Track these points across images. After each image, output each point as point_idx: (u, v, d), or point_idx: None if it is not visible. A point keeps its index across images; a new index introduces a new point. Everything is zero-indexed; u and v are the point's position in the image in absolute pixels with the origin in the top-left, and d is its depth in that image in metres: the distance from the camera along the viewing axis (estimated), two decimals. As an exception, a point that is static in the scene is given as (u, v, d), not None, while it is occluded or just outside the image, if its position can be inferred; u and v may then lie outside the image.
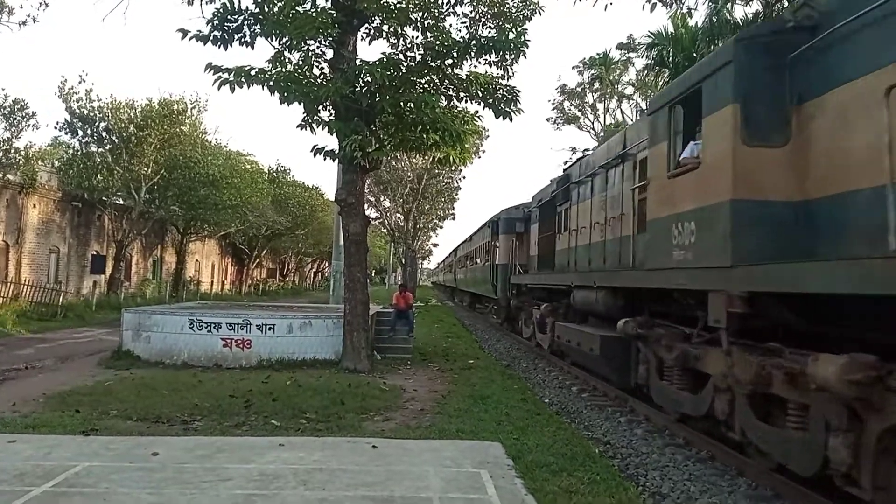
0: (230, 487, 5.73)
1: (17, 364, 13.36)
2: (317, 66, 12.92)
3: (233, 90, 11.67)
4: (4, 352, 15.61)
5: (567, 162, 23.22)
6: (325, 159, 13.13)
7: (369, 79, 12.33)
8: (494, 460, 6.78)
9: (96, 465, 6.29)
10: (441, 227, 58.37)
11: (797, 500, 6.18)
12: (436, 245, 76.97)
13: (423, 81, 13.09)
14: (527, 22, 12.82)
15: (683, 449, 8.20)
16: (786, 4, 17.02)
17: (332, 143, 13.16)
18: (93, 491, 5.57)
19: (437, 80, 13.17)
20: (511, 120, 12.97)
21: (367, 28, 13.20)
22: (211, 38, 12.22)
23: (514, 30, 12.53)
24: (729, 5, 20.01)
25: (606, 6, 13.21)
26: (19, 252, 27.95)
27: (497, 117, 12.96)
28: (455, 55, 12.61)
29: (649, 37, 24.60)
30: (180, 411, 8.86)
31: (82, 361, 14.04)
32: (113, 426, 8.03)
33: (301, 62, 12.64)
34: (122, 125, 31.70)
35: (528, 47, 12.53)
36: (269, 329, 13.48)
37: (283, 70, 12.27)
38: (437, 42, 12.56)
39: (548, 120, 44.44)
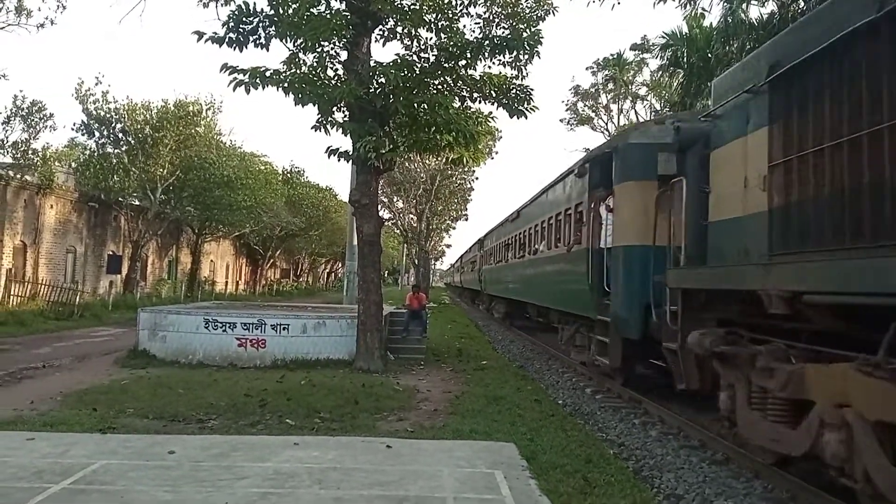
0: (246, 486, 5.76)
1: (34, 363, 13.49)
2: (331, 68, 12.99)
3: (248, 91, 11.75)
4: (22, 350, 15.78)
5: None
6: (339, 160, 13.20)
7: (383, 80, 12.38)
8: (508, 461, 6.78)
9: (113, 462, 6.35)
10: (454, 228, 58.30)
11: (813, 503, 6.13)
12: (449, 246, 76.98)
13: (436, 82, 13.11)
14: (540, 22, 12.83)
15: (698, 451, 8.15)
16: (801, 5, 16.92)
17: (346, 144, 13.23)
18: (110, 488, 5.62)
19: (450, 81, 13.18)
20: (526, 118, 12.98)
21: (381, 30, 13.24)
22: (226, 39, 12.31)
23: (527, 30, 12.54)
24: (744, 6, 19.92)
25: (613, 5, 13.41)
26: (37, 252, 28.24)
27: (511, 117, 12.97)
28: (469, 56, 12.62)
29: (663, 37, 24.56)
30: (196, 410, 8.92)
31: (99, 360, 14.16)
32: (129, 424, 8.10)
33: (315, 64, 12.70)
34: (138, 126, 32.01)
35: (541, 44, 12.51)
36: (284, 329, 13.55)
37: (298, 71, 12.35)
38: (451, 43, 12.59)
39: (561, 121, 44.45)
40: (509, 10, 12.94)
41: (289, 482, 5.89)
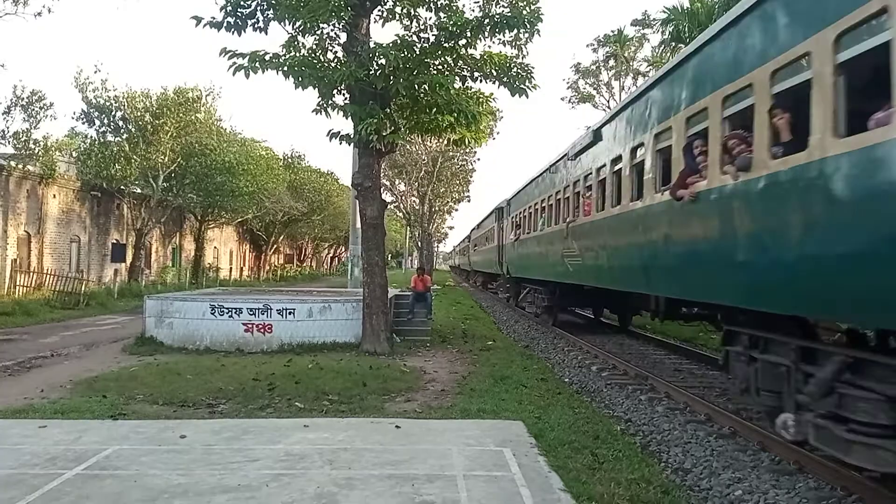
0: (258, 468, 5.82)
1: (42, 352, 13.58)
2: (330, 50, 12.91)
3: (247, 76, 11.74)
4: (30, 340, 15.86)
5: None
6: (340, 143, 13.18)
7: (383, 61, 12.30)
8: (517, 439, 6.83)
9: (126, 448, 6.41)
10: (456, 210, 58.33)
11: (820, 474, 6.18)
12: (451, 227, 77.10)
13: (437, 63, 13.02)
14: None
15: (705, 425, 8.20)
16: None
17: (347, 126, 13.20)
18: (124, 473, 5.68)
19: (451, 61, 13.09)
20: (527, 97, 12.90)
21: (380, 10, 13.14)
22: (224, 24, 12.26)
23: (527, 7, 12.42)
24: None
25: None
26: (41, 242, 28.32)
27: (513, 95, 12.89)
28: (468, 35, 12.52)
29: (665, 12, 24.28)
30: (205, 395, 8.99)
31: (107, 348, 14.24)
32: (140, 410, 8.17)
33: (315, 46, 12.65)
34: (138, 114, 31.93)
35: (541, 21, 12.39)
36: (290, 313, 13.60)
37: (297, 55, 12.28)
38: (451, 22, 12.48)
39: (562, 99, 44.10)
40: (509, -12, 12.82)
41: (300, 463, 5.95)
